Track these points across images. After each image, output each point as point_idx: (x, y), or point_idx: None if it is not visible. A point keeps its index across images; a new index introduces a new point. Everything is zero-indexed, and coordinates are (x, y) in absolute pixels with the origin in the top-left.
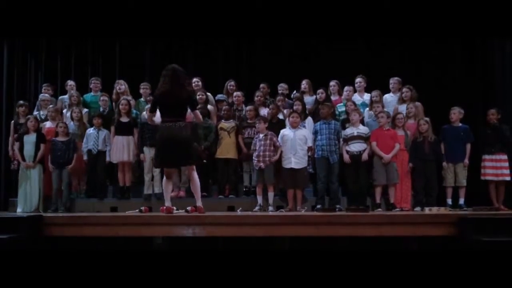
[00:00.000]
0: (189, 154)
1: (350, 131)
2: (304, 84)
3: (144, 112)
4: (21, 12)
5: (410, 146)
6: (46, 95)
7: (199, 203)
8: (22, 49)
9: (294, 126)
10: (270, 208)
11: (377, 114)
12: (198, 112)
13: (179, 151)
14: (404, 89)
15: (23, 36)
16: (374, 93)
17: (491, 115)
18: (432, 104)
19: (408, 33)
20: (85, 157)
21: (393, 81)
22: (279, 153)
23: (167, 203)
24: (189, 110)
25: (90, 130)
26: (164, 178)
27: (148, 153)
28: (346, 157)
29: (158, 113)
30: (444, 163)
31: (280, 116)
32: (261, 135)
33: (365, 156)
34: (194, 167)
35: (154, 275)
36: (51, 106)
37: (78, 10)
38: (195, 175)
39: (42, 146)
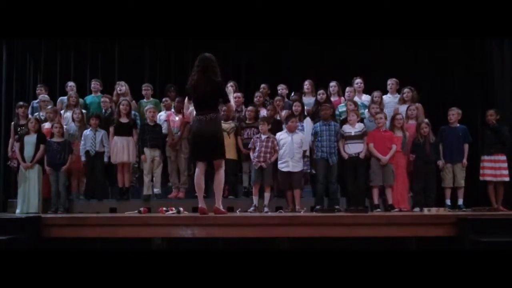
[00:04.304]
0: (216, 148)
1: (348, 129)
2: (307, 84)
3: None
4: (20, 13)
5: (409, 147)
6: (46, 96)
7: (218, 203)
8: (21, 50)
9: (292, 131)
10: (266, 209)
11: (374, 115)
12: (230, 104)
13: (208, 145)
14: (405, 90)
15: (22, 37)
16: (376, 93)
17: (490, 115)
18: (431, 104)
19: (407, 33)
20: (83, 158)
21: (391, 82)
22: (275, 156)
23: (201, 203)
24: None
25: (87, 131)
26: (197, 173)
27: (149, 154)
28: (344, 154)
29: (191, 107)
30: (441, 162)
31: (277, 117)
32: (263, 136)
33: (362, 154)
34: (223, 165)
35: (153, 276)
36: (49, 107)
37: (77, 10)
38: (222, 173)
39: (41, 146)
